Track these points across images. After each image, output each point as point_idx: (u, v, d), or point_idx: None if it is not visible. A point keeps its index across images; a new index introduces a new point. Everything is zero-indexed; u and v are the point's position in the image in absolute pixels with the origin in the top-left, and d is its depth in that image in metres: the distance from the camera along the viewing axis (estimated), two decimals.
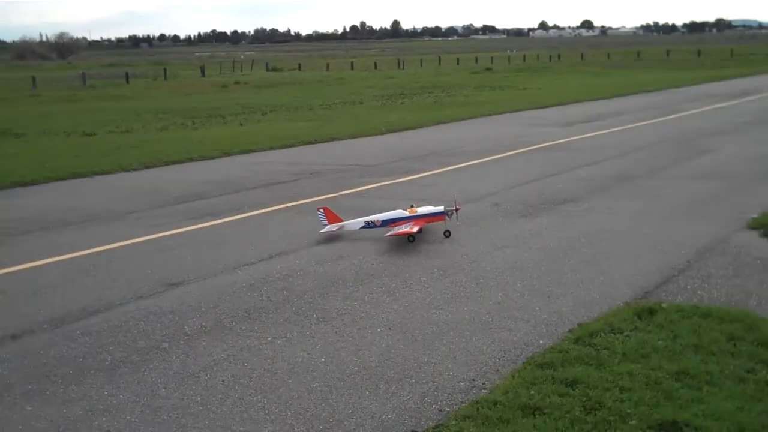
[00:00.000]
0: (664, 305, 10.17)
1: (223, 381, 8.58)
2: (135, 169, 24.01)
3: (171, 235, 15.55)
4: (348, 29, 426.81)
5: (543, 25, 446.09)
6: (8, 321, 10.70)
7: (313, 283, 11.99)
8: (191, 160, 25.64)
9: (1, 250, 14.73)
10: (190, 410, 7.92)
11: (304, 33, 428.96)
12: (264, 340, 9.75)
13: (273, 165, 24.05)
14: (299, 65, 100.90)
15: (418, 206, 14.89)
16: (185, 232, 15.80)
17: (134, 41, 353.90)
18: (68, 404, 8.14)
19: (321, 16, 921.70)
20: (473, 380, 8.42)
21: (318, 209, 15.29)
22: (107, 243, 14.88)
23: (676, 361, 8.42)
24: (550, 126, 33.03)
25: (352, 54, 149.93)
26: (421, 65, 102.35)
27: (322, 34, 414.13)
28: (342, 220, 14.98)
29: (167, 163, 25.00)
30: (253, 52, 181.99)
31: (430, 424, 7.47)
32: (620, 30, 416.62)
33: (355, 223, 14.85)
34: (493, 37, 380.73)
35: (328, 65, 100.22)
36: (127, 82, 73.82)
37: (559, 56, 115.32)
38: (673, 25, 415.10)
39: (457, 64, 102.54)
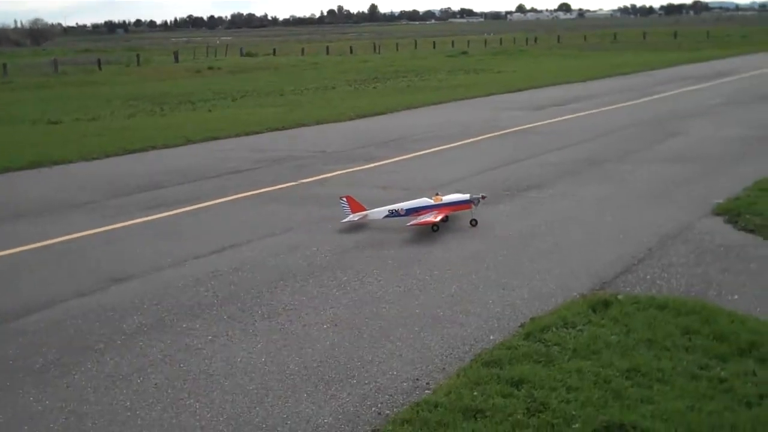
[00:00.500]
0: (620, 297, 9.84)
1: (155, 384, 8.19)
2: (96, 158, 23.49)
3: (124, 226, 15.13)
4: (325, 13, 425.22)
5: (521, 8, 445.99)
6: None
7: (263, 277, 11.60)
8: (154, 148, 25.12)
9: None
10: (117, 417, 7.53)
11: (281, 17, 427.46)
12: (204, 338, 9.36)
13: (236, 152, 23.61)
14: (274, 50, 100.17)
15: (443, 194, 14.42)
16: (139, 223, 15.38)
17: (110, 27, 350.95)
18: None
19: (298, 0, 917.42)
20: (417, 380, 8.06)
21: (341, 198, 14.85)
22: (57, 236, 14.45)
23: (628, 357, 8.08)
24: (522, 110, 32.66)
25: (329, 38, 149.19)
26: (397, 49, 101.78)
27: (299, 18, 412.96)
28: (365, 209, 14.52)
29: (130, 152, 24.49)
30: (229, 37, 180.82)
31: (367, 429, 7.10)
32: (598, 12, 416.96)
33: (379, 212, 14.40)
34: (471, 20, 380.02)
35: (303, 50, 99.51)
36: (100, 68, 73.05)
37: (535, 39, 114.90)
38: (651, 8, 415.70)
39: (434, 47, 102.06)
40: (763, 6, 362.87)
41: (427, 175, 18.97)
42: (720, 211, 14.48)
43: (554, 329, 8.90)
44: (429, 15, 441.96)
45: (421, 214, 13.84)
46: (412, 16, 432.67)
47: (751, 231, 13.28)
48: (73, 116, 34.98)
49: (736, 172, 18.14)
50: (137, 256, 13.04)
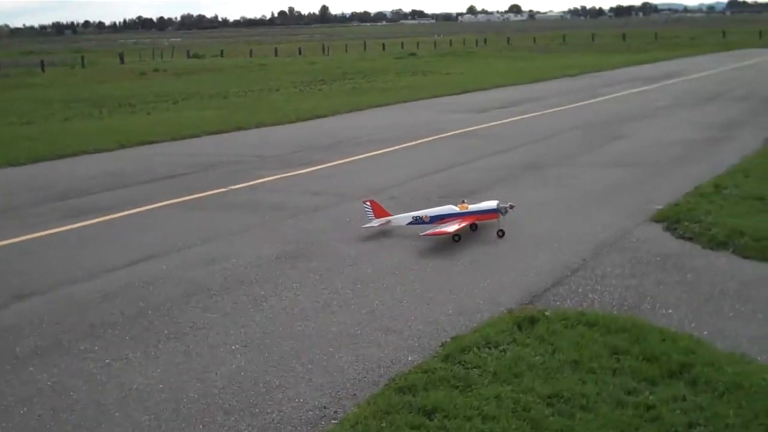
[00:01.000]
0: (547, 313, 9.28)
1: (39, 416, 7.51)
2: (23, 164, 22.62)
3: (41, 236, 14.37)
4: (276, 15, 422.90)
5: (471, 10, 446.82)
6: None
7: (175, 292, 10.92)
8: (86, 152, 24.28)
9: None
10: None
11: (231, 19, 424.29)
12: (101, 362, 8.67)
13: (170, 157, 22.87)
14: (221, 52, 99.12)
15: (470, 202, 13.64)
16: (57, 233, 14.63)
17: (58, 28, 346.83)
18: None
19: (249, 1, 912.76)
20: (325, 408, 7.46)
21: (364, 202, 14.19)
22: None
23: (551, 381, 7.53)
24: (467, 112, 32.17)
25: (278, 40, 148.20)
26: (347, 51, 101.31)
27: (249, 19, 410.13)
28: (389, 215, 13.87)
29: (60, 156, 23.65)
30: (179, 39, 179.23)
31: None
32: (548, 14, 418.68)
33: (403, 218, 13.73)
34: (422, 21, 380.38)
35: (251, 51, 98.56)
36: (43, 70, 71.83)
37: (485, 41, 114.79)
38: (600, 9, 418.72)
39: (383, 49, 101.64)
40: (710, 8, 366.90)
41: (363, 180, 18.39)
42: (659, 218, 14.02)
43: (476, 349, 8.33)
44: (380, 16, 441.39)
45: (446, 222, 13.12)
46: (363, 17, 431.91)
47: (690, 239, 12.82)
48: (7, 120, 34.02)
49: (678, 176, 17.73)
50: (48, 269, 12.32)
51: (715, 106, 32.31)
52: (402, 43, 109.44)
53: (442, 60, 75.64)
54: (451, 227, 12.78)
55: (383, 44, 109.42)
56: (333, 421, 7.14)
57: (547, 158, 20.66)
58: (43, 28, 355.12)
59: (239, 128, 29.05)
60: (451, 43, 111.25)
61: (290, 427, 7.12)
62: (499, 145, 22.99)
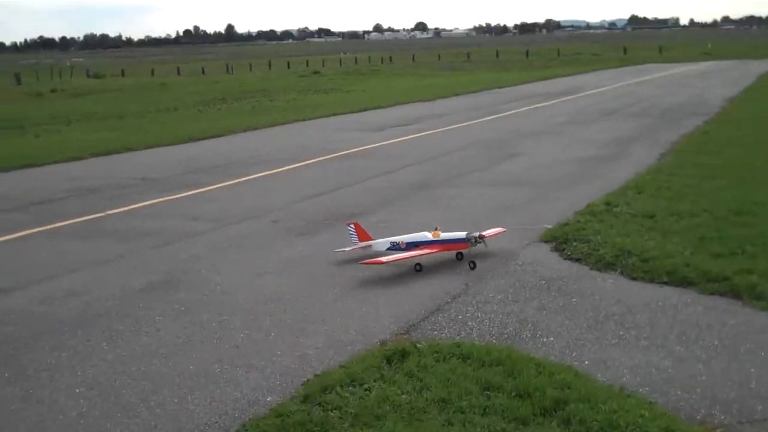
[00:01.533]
0: (419, 345, 8.69)
1: None
2: None
3: None
4: (181, 34, 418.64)
5: (378, 28, 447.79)
6: None
7: (25, 330, 10.10)
8: None
9: None
10: None
11: (136, 38, 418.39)
12: None
13: (49, 182, 21.82)
14: (122, 71, 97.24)
15: (442, 230, 12.77)
16: None
17: None
18: None
19: (154, 20, 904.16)
20: None
21: (348, 224, 13.48)
22: None
23: (415, 424, 6.94)
24: (363, 131, 31.61)
25: (183, 59, 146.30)
26: (251, 69, 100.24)
27: (154, 38, 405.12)
28: (371, 239, 13.08)
29: None
30: (81, 59, 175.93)
31: None
32: (454, 32, 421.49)
33: (382, 243, 12.88)
34: (329, 39, 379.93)
35: (153, 71, 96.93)
36: None
37: (390, 58, 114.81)
38: (505, 26, 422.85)
39: (288, 68, 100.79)
40: (612, 24, 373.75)
41: (246, 203, 17.71)
42: (547, 238, 13.58)
43: (338, 388, 7.70)
44: (287, 35, 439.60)
45: (420, 249, 12.32)
46: (269, 35, 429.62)
47: (578, 260, 12.41)
48: None
49: (571, 194, 17.37)
50: None
51: (612, 121, 32.30)
52: (307, 62, 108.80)
53: (346, 78, 75.12)
54: (387, 257, 12.08)
55: (288, 62, 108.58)
56: None
57: (439, 177, 20.19)
58: None
59: (129, 149, 28.04)
60: (356, 61, 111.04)
61: None
62: (392, 165, 22.46)
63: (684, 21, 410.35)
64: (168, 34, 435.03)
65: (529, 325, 9.64)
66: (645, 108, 37.06)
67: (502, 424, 6.91)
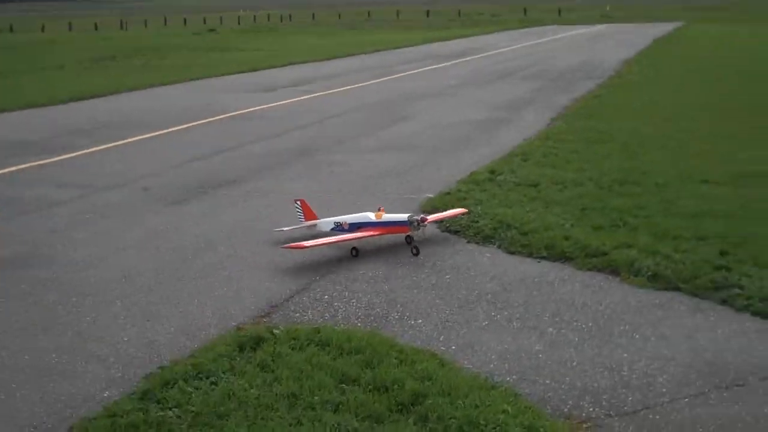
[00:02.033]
0: (276, 332, 8.05)
1: None
2: None
3: None
4: None
5: None
6: None
7: None
8: None
9: None
10: None
11: None
12: None
13: None
14: (11, 26, 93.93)
15: (387, 212, 11.48)
16: None
17: None
18: None
19: None
20: None
21: (295, 201, 12.07)
22: None
23: (260, 424, 6.34)
24: (252, 92, 30.69)
25: (77, 14, 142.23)
26: (146, 26, 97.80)
27: None
28: (317, 218, 11.82)
29: None
30: None
31: None
32: None
33: (327, 223, 11.62)
34: None
35: (43, 26, 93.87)
36: None
37: (290, 16, 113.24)
38: None
39: (185, 24, 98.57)
40: None
41: (119, 168, 16.90)
42: (428, 209, 13.01)
43: (182, 382, 7.06)
44: None
45: (362, 231, 11.12)
46: None
47: (456, 232, 11.92)
48: None
49: (457, 160, 16.90)
50: None
51: (506, 84, 31.99)
52: (204, 19, 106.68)
53: (242, 36, 73.51)
54: (310, 242, 10.81)
55: (185, 19, 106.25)
56: None
57: (324, 142, 19.55)
58: None
59: (2, 110, 26.63)
60: (254, 19, 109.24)
61: None
62: (276, 128, 21.73)
63: None
64: None
65: (398, 306, 9.11)
66: (540, 71, 36.84)
67: (354, 422, 6.36)
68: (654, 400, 6.92)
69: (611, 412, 6.75)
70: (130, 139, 20.40)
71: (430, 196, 13.75)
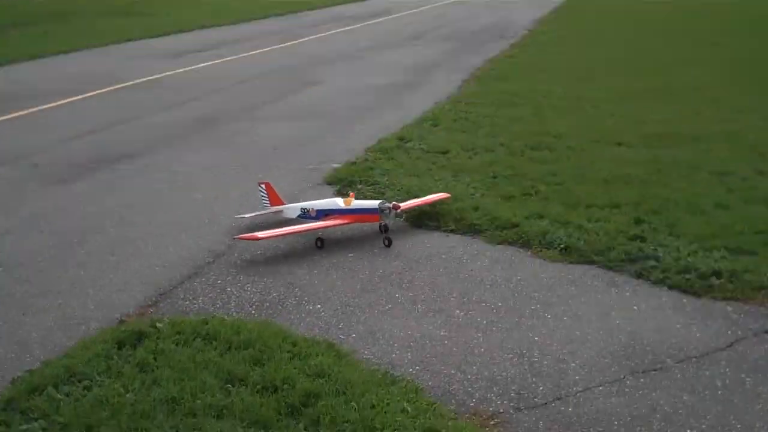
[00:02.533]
0: (159, 325, 7.37)
1: None
2: None
3: None
4: None
5: None
6: None
7: None
8: None
9: None
10: None
11: None
12: None
13: None
14: None
15: (356, 197, 10.57)
16: None
17: None
18: None
19: None
20: None
21: (259, 183, 10.98)
22: None
23: None
24: (156, 57, 29.62)
25: None
26: None
27: None
28: (283, 203, 10.83)
29: None
30: None
31: None
32: None
33: (293, 209, 10.62)
34: None
35: None
36: None
37: None
38: None
39: None
40: None
41: (7, 144, 15.95)
42: (332, 180, 12.45)
43: (52, 388, 6.36)
44: None
45: (329, 219, 10.14)
46: None
47: None
48: None
49: (365, 127, 16.29)
50: None
51: (418, 46, 31.46)
52: None
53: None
54: (265, 232, 9.71)
55: None
56: None
57: (228, 110, 18.76)
58: None
59: None
60: None
61: None
62: (179, 97, 20.84)
63: None
64: None
65: (297, 290, 8.50)
66: (453, 31, 36.35)
67: (239, 429, 5.75)
68: (566, 390, 6.43)
69: (520, 405, 6.25)
70: (22, 112, 19.30)
71: (336, 165, 13.13)
